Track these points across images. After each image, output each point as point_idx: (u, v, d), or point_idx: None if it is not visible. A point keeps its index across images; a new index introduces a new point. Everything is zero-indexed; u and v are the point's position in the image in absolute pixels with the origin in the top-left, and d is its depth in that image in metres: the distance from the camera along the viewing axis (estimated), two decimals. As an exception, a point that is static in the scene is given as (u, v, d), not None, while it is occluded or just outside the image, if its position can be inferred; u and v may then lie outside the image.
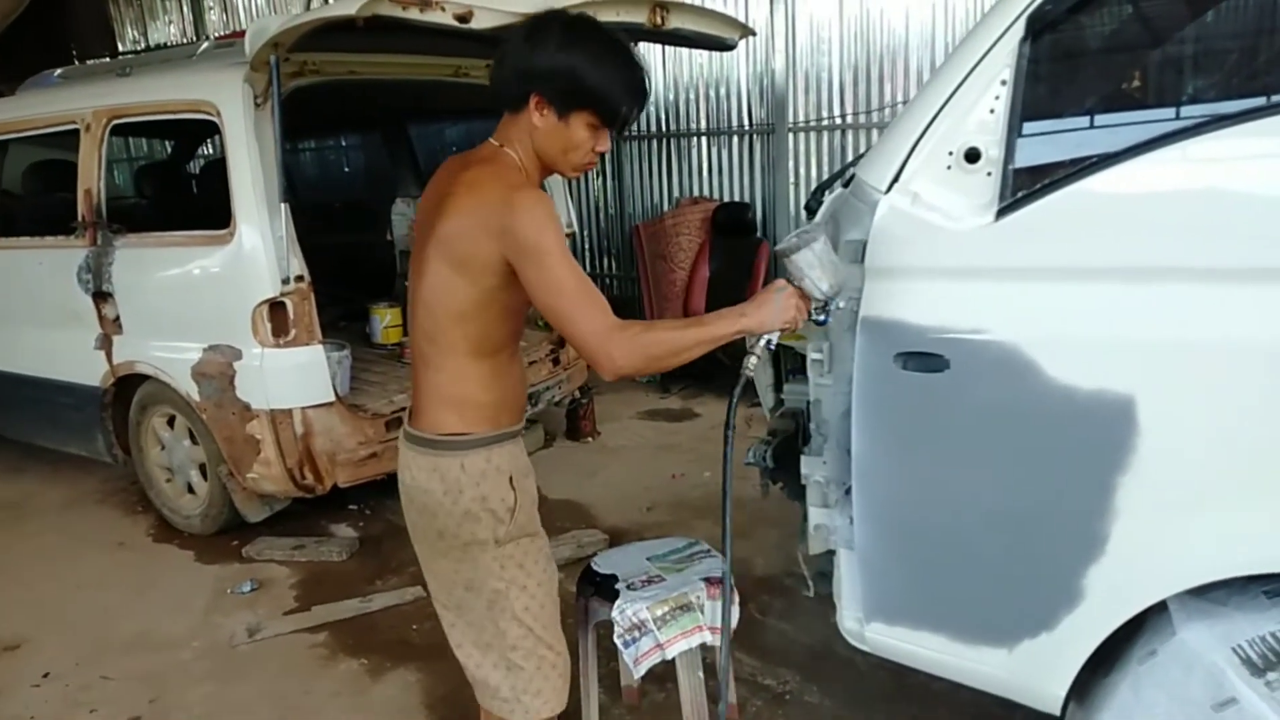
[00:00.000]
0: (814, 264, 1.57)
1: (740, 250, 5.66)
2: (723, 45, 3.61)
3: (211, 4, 9.43)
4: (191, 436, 3.77)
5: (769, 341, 1.64)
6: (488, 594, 1.73)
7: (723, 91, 6.01)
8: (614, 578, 2.16)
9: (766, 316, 1.59)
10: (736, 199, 6.01)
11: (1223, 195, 1.35)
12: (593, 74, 1.53)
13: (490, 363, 1.67)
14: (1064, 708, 1.65)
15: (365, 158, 7.45)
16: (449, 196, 1.59)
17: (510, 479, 1.70)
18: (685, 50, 5.95)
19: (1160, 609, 1.50)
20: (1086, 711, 1.63)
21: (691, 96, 6.15)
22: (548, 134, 1.59)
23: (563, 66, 1.53)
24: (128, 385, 3.87)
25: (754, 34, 3.94)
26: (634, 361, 1.53)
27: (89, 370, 3.90)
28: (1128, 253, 1.41)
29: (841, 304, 1.64)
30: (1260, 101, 1.36)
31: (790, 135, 5.72)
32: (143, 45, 10.03)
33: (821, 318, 1.65)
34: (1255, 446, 1.35)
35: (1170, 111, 1.59)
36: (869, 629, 1.78)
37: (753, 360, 1.66)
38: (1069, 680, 1.59)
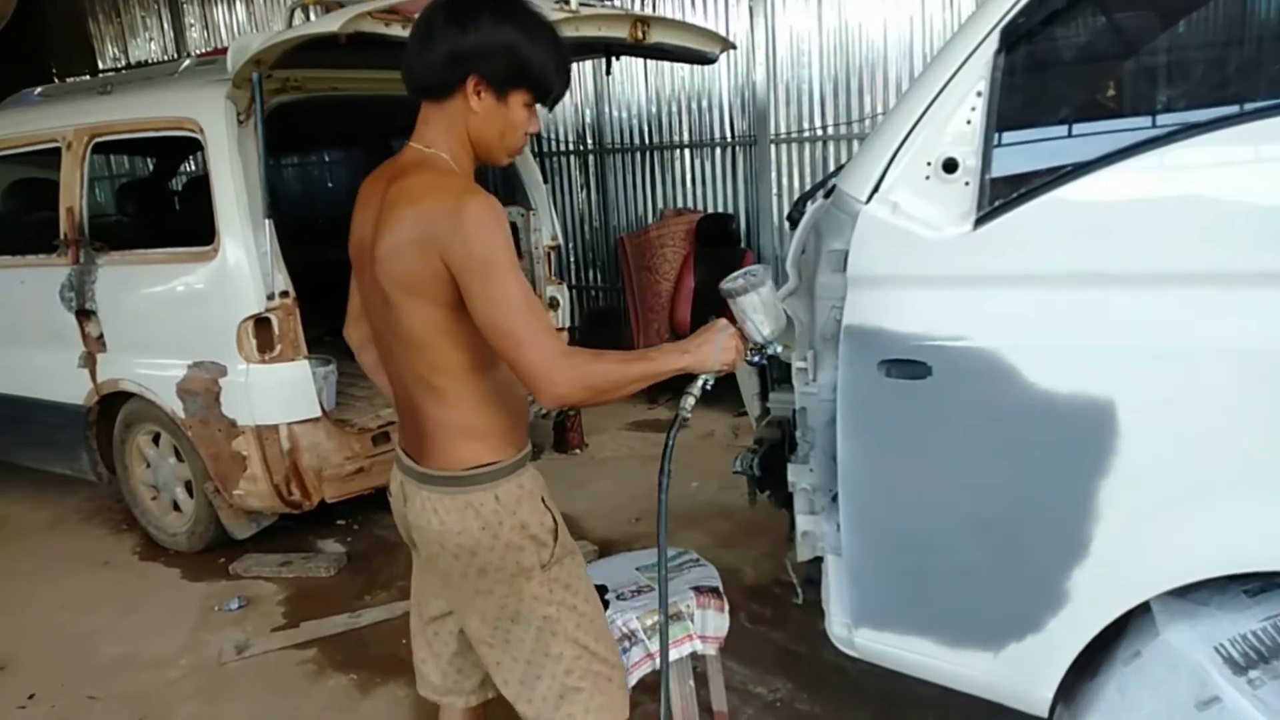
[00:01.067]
0: (758, 308, 1.62)
1: (725, 261, 5.66)
2: (704, 59, 3.65)
3: (193, 21, 9.42)
4: (177, 454, 3.75)
5: (705, 382, 1.65)
6: (537, 622, 1.62)
7: (704, 104, 6.05)
8: (604, 588, 2.16)
9: (706, 357, 1.59)
10: (720, 210, 6.04)
11: (1196, 202, 1.38)
12: (531, 50, 1.47)
13: (493, 380, 1.56)
14: (1051, 710, 1.67)
15: (349, 173, 7.44)
16: (384, 213, 1.46)
17: (542, 499, 1.62)
18: (667, 64, 5.99)
19: (1144, 610, 1.52)
20: (1073, 713, 1.65)
21: (674, 109, 6.19)
22: (486, 118, 1.50)
23: (500, 43, 1.45)
24: (112, 403, 3.85)
25: (734, 47, 3.98)
26: (576, 392, 1.45)
27: (72, 389, 3.87)
28: (1104, 260, 1.43)
29: (779, 349, 1.68)
30: (1232, 109, 1.39)
31: (772, 146, 5.76)
32: (123, 63, 10.00)
33: (756, 359, 1.68)
34: (1233, 447, 1.37)
35: (1144, 120, 1.62)
36: (858, 635, 1.79)
37: (690, 401, 1.66)
38: (1055, 682, 1.60)
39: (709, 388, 1.67)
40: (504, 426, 1.59)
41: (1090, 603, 1.52)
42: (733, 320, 1.66)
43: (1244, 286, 1.35)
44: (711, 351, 1.59)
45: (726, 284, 1.63)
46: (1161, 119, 1.54)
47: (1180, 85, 1.91)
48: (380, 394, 3.96)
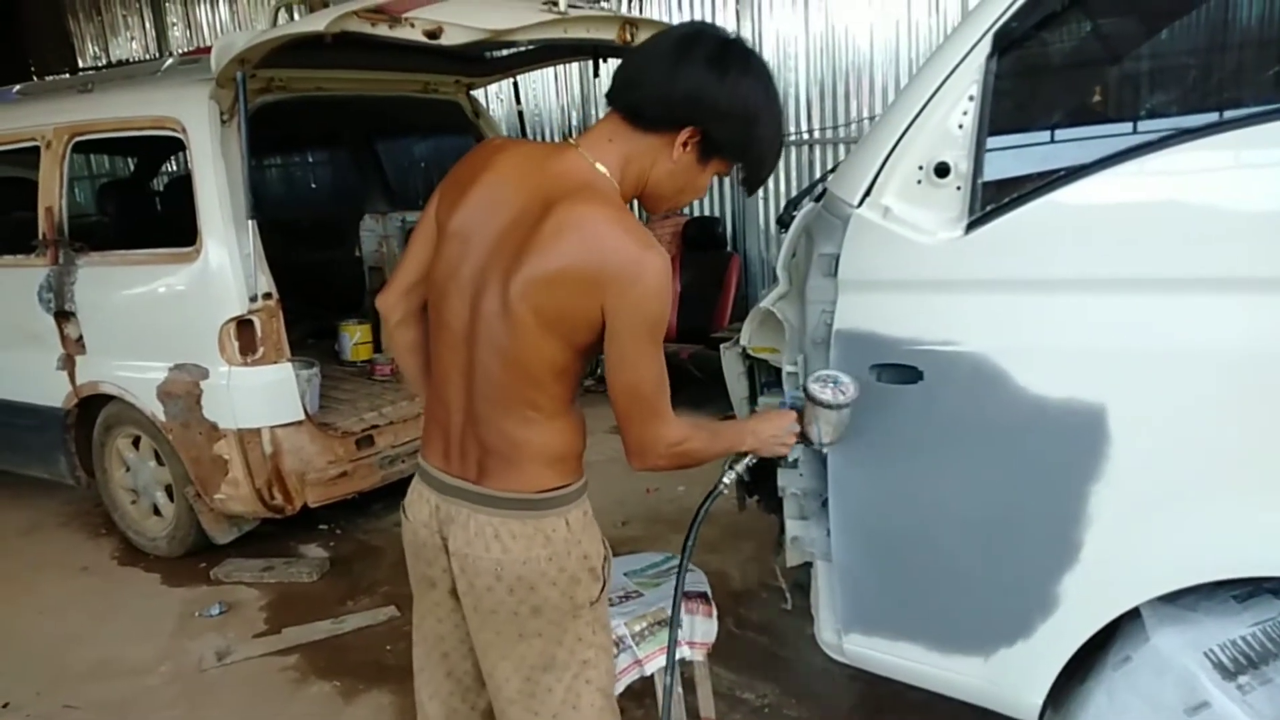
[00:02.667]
0: (833, 421, 1.58)
1: (711, 264, 5.68)
2: (692, 61, 3.64)
3: (175, 20, 9.34)
4: (157, 457, 3.70)
5: (752, 460, 1.68)
6: (574, 668, 1.47)
7: (691, 107, 6.05)
8: (591, 594, 2.14)
9: (765, 444, 1.61)
10: (707, 214, 6.04)
11: (1187, 208, 1.39)
12: (764, 128, 1.38)
13: (577, 407, 1.46)
14: (1040, 715, 1.67)
15: (333, 174, 7.40)
16: (545, 229, 1.29)
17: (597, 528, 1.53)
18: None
19: (1134, 616, 1.52)
20: (1063, 718, 1.65)
21: (661, 112, 6.18)
22: (677, 171, 1.39)
23: (743, 111, 1.34)
24: (91, 406, 3.79)
25: (722, 50, 3.97)
26: (667, 468, 1.45)
27: (51, 391, 3.81)
28: (1095, 264, 1.43)
29: (825, 452, 1.67)
30: (1222, 115, 1.39)
31: (759, 150, 5.76)
32: (104, 61, 9.90)
33: (796, 455, 1.71)
34: (1224, 453, 1.38)
35: (1135, 125, 1.63)
36: (847, 640, 1.79)
37: (731, 477, 1.69)
38: (1046, 688, 1.60)
39: (751, 464, 1.69)
40: (578, 450, 1.49)
41: (1081, 608, 1.52)
42: (800, 414, 1.63)
43: (1233, 292, 1.35)
44: (772, 442, 1.61)
45: (820, 392, 1.55)
46: (1153, 124, 1.54)
47: (1172, 91, 1.92)
48: (365, 397, 3.94)
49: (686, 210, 6.10)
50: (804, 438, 1.64)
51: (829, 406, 1.55)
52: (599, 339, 1.34)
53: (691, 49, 1.33)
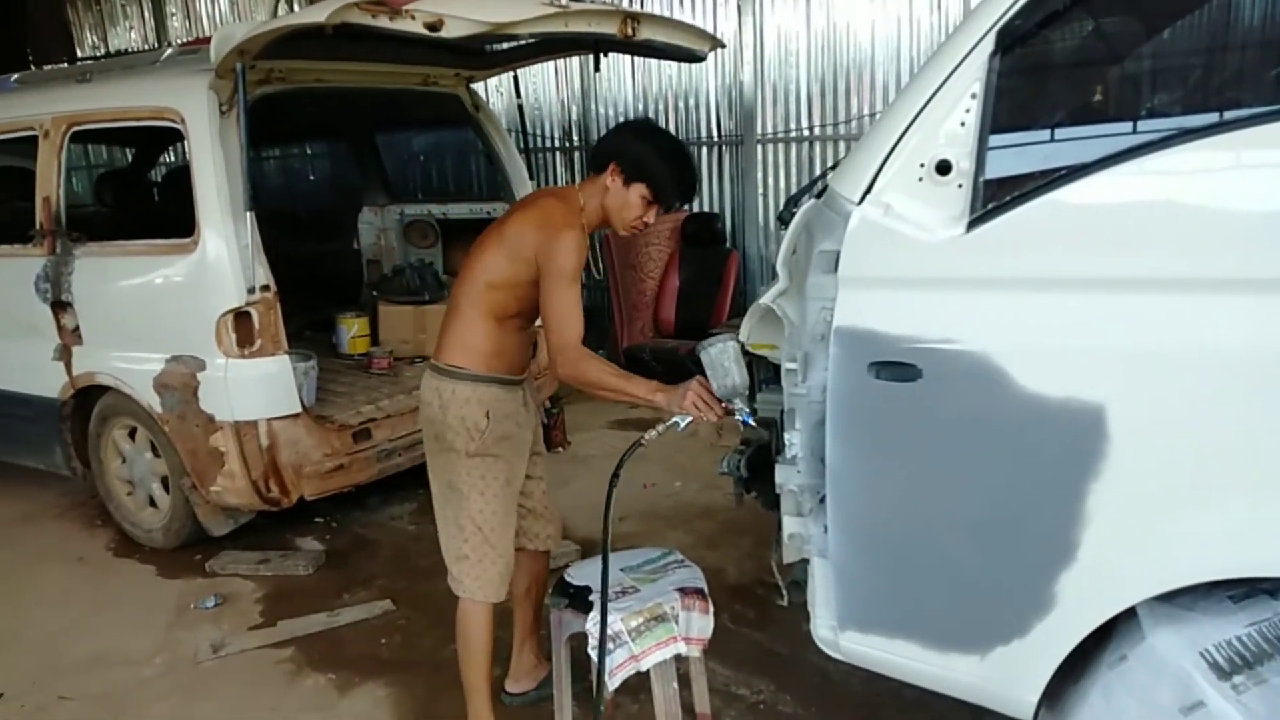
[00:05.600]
0: (708, 365, 1.95)
1: (709, 260, 5.68)
2: (692, 57, 3.63)
3: (174, 10, 9.31)
4: (153, 449, 3.69)
5: (675, 422, 2.06)
6: (458, 492, 2.23)
7: (692, 103, 6.05)
8: (587, 589, 2.15)
9: (671, 401, 2.04)
10: (706, 210, 6.04)
11: (1189, 208, 1.38)
12: (658, 164, 2.13)
13: (498, 325, 2.20)
14: (1035, 714, 1.67)
15: (332, 166, 7.38)
16: (527, 208, 2.21)
17: (487, 412, 2.19)
18: (654, 61, 5.97)
19: (1130, 615, 1.52)
20: (1058, 717, 1.65)
21: (661, 108, 6.18)
22: (614, 194, 2.16)
23: (636, 151, 2.14)
24: (87, 397, 3.78)
25: (724, 46, 3.97)
26: (574, 376, 2.08)
27: (47, 381, 3.81)
28: (1096, 264, 1.43)
29: (740, 405, 1.98)
30: (1224, 116, 1.39)
31: (759, 146, 5.76)
32: (102, 51, 9.86)
33: (739, 416, 1.99)
34: (1222, 453, 1.38)
35: (1138, 125, 1.62)
36: (843, 637, 1.79)
37: (651, 434, 2.07)
38: (1041, 686, 1.60)
39: (681, 428, 2.06)
40: (484, 351, 2.20)
41: (1078, 607, 1.52)
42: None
43: (1232, 292, 1.35)
44: (675, 398, 2.03)
45: (696, 347, 1.98)
46: (1155, 124, 1.54)
47: (1174, 91, 1.92)
48: (362, 390, 3.93)
49: (684, 206, 6.10)
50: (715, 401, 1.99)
51: (701, 351, 1.93)
52: (527, 275, 2.13)
53: (617, 128, 2.32)
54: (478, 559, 2.25)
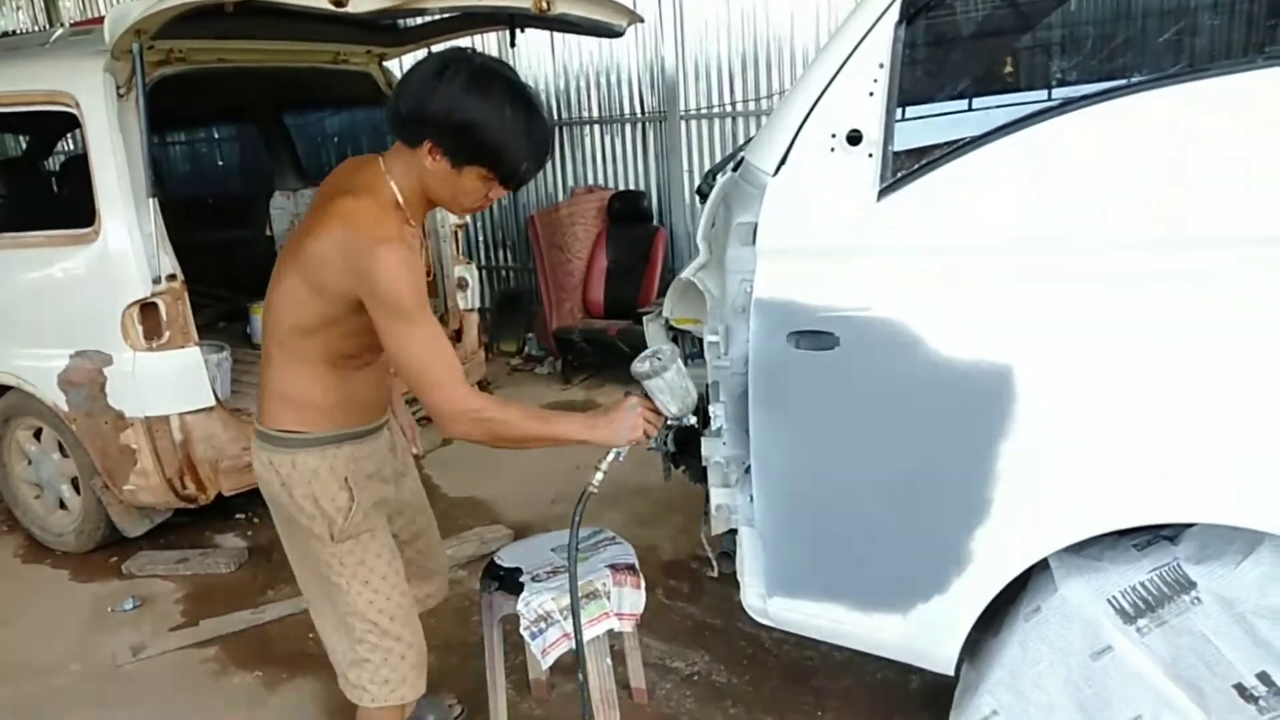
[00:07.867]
0: (664, 390, 1.70)
1: (637, 238, 5.67)
2: (611, 32, 3.60)
3: (65, -12, 8.83)
4: (61, 449, 3.53)
5: (618, 455, 1.75)
6: (334, 586, 1.77)
7: (613, 79, 6.00)
8: (518, 571, 2.13)
9: (614, 434, 1.69)
10: (631, 187, 6.02)
11: (1089, 172, 1.43)
12: (493, 132, 1.49)
13: (334, 370, 1.68)
14: (957, 668, 1.73)
15: (240, 150, 7.13)
16: (324, 217, 1.55)
17: (345, 479, 1.71)
18: (574, 37, 5.90)
19: (1043, 568, 1.58)
20: (978, 670, 1.71)
21: (582, 84, 6.11)
22: (439, 178, 1.56)
23: (460, 120, 1.48)
24: (-14, 397, 3.59)
25: (642, 21, 3.95)
26: (476, 436, 1.58)
27: (-59, 383, 3.60)
28: (1000, 228, 1.47)
29: (692, 421, 1.78)
30: (1120, 82, 1.43)
31: (682, 123, 5.75)
32: (-12, 32, 9.31)
33: (659, 442, 1.81)
34: (1122, 409, 1.43)
35: (1041, 93, 1.67)
36: (771, 604, 1.82)
37: (598, 477, 1.77)
38: (960, 641, 1.66)
39: (621, 460, 1.76)
40: (327, 406, 1.68)
41: (992, 562, 1.57)
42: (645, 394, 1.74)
43: (1129, 251, 1.40)
44: (620, 430, 1.69)
45: (636, 366, 1.71)
46: (1056, 91, 1.58)
47: (1076, 58, 1.97)
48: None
49: (610, 183, 6.07)
50: (660, 419, 1.74)
51: (648, 376, 1.68)
52: (349, 311, 1.57)
53: (418, 69, 1.52)
54: (381, 660, 1.81)
